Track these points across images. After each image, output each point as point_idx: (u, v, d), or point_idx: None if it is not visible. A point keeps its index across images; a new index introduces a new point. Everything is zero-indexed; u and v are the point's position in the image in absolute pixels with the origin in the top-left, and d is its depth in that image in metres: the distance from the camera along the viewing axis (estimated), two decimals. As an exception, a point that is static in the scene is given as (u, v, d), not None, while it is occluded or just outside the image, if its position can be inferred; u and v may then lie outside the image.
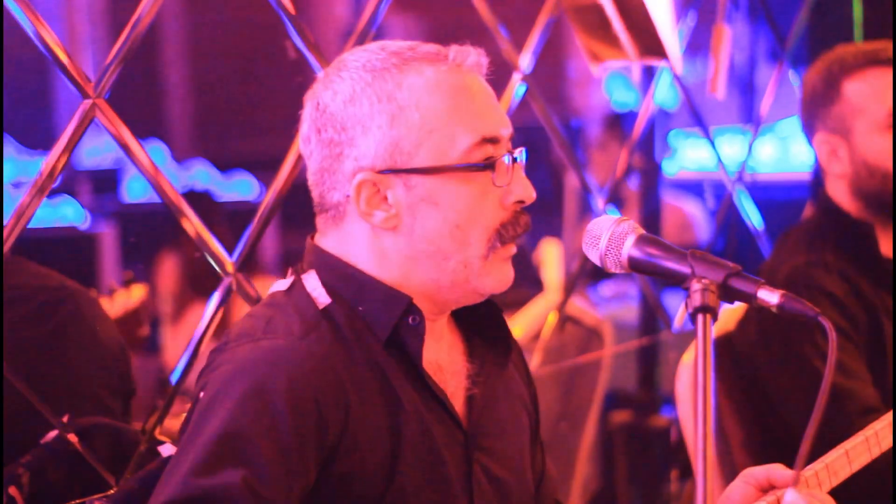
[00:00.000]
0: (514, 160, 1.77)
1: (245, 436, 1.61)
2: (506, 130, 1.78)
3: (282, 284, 1.81)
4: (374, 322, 1.75)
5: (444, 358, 1.83)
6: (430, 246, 1.74)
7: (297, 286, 1.79)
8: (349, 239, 1.78)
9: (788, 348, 2.62)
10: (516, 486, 1.87)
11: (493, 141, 1.75)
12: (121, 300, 2.95)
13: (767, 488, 1.79)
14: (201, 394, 1.70)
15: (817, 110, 2.75)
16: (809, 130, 2.80)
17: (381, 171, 1.73)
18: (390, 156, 1.73)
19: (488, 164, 1.74)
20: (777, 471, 1.79)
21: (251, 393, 1.63)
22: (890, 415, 2.02)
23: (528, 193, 1.77)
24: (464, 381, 1.84)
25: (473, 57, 1.78)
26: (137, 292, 2.98)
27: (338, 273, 1.77)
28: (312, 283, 1.78)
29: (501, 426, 1.87)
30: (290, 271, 1.83)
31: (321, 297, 1.76)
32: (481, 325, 1.88)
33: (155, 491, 1.63)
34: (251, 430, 1.61)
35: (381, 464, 1.70)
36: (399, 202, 1.74)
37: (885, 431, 1.99)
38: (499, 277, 1.78)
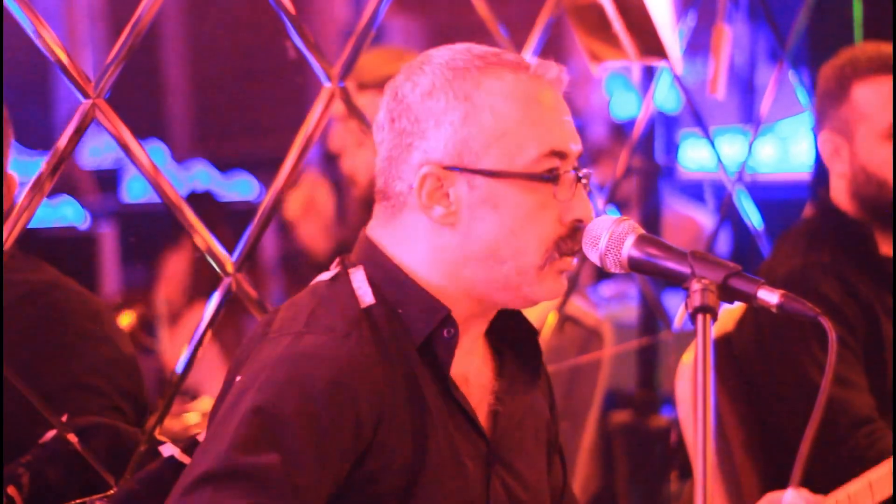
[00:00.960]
0: (580, 178, 1.77)
1: (285, 421, 1.61)
2: (576, 147, 1.78)
3: (326, 275, 1.82)
4: (412, 326, 1.76)
5: (473, 371, 1.84)
6: (485, 247, 1.75)
7: (341, 278, 1.79)
8: (405, 230, 1.78)
9: (784, 355, 2.62)
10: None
11: (560, 155, 1.75)
12: None
13: None
14: (237, 378, 1.70)
15: (827, 108, 2.75)
16: (819, 125, 2.78)
17: (448, 167, 1.74)
18: (458, 153, 1.74)
19: (552, 177, 1.74)
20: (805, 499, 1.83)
21: (292, 382, 1.64)
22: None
23: (588, 213, 1.78)
24: (488, 395, 1.85)
25: (555, 71, 1.79)
26: (127, 319, 2.95)
27: (384, 271, 1.78)
28: (359, 279, 1.78)
29: (522, 445, 1.88)
30: (336, 261, 1.84)
31: (366, 296, 1.76)
32: (515, 344, 1.89)
33: (191, 465, 1.63)
34: (291, 416, 1.62)
35: (405, 467, 1.71)
36: (460, 200, 1.74)
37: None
38: (552, 287, 1.79)
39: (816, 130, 2.80)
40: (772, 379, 2.65)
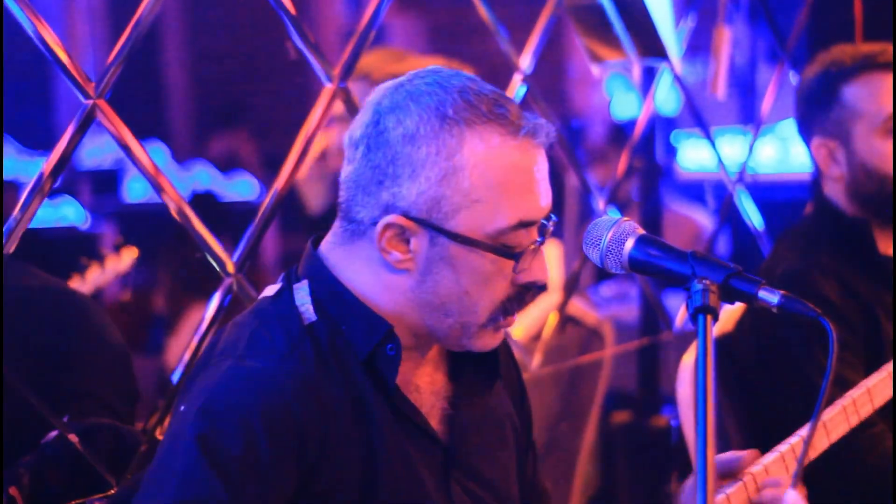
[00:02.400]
0: (541, 242, 1.76)
1: (225, 449, 1.62)
2: (546, 208, 1.77)
3: (270, 290, 1.82)
4: (355, 342, 1.76)
5: (425, 378, 1.84)
6: (436, 300, 1.75)
7: (284, 294, 1.79)
8: (359, 259, 1.77)
9: (783, 356, 2.62)
10: None
11: (529, 224, 1.74)
12: (111, 265, 2.94)
13: (725, 475, 1.81)
14: (182, 407, 1.71)
15: (814, 113, 2.75)
16: (806, 131, 2.80)
17: (413, 219, 1.72)
18: (428, 209, 1.71)
19: (513, 254, 1.73)
20: (732, 457, 1.82)
21: (231, 410, 1.65)
22: (865, 382, 2.02)
23: (543, 277, 1.77)
24: (441, 401, 1.85)
25: (543, 134, 1.75)
26: (128, 256, 2.96)
27: (328, 288, 1.78)
28: (302, 295, 1.78)
29: (484, 447, 1.88)
30: (282, 275, 1.84)
31: (307, 314, 1.76)
32: None
33: (140, 498, 1.64)
34: (231, 444, 1.63)
35: (357, 483, 1.72)
36: (419, 252, 1.73)
37: (862, 399, 1.99)
38: (487, 343, 1.79)
39: (805, 137, 2.80)
40: (771, 379, 2.66)
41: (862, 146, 2.68)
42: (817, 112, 2.74)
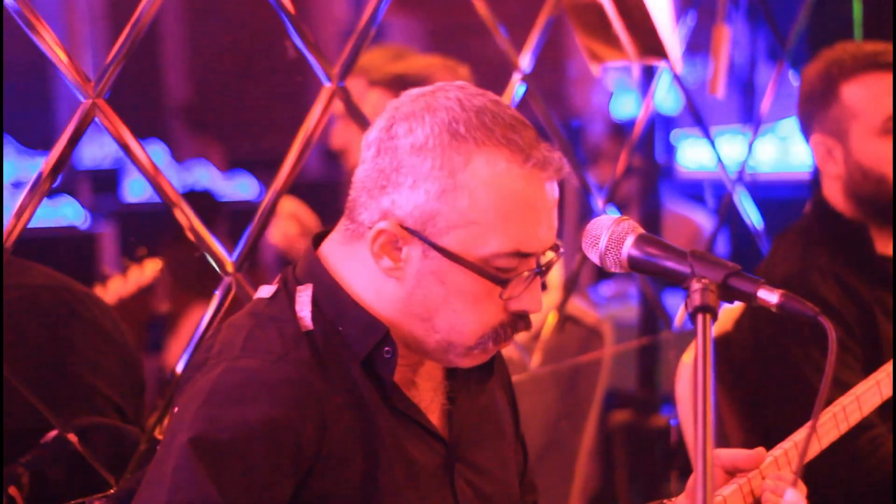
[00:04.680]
0: (539, 273, 1.75)
1: (220, 451, 1.62)
2: (548, 243, 1.75)
3: (266, 291, 1.81)
4: (352, 344, 1.75)
5: (422, 374, 1.83)
6: (425, 312, 1.74)
7: (280, 296, 1.79)
8: (357, 260, 1.77)
9: (782, 356, 2.62)
10: (501, 498, 1.88)
11: (523, 255, 1.72)
12: (134, 276, 2.93)
13: (733, 471, 1.81)
14: (176, 409, 1.70)
15: (814, 110, 2.75)
16: (806, 128, 2.79)
17: (407, 229, 1.71)
18: (423, 222, 1.71)
19: (501, 280, 1.71)
20: (741, 454, 1.81)
21: (227, 412, 1.64)
22: (855, 389, 2.02)
23: (534, 308, 1.76)
24: (440, 396, 1.85)
25: (554, 168, 1.74)
26: (151, 267, 2.95)
27: (326, 289, 1.77)
28: (304, 301, 1.77)
29: (484, 440, 1.88)
30: (278, 277, 1.83)
31: (305, 321, 1.75)
32: None
33: (136, 502, 1.64)
34: (226, 446, 1.62)
35: (357, 483, 1.71)
36: (411, 262, 1.73)
37: (852, 407, 1.99)
38: (472, 362, 1.79)
39: (805, 134, 2.79)
40: (770, 379, 2.66)
41: (859, 146, 2.68)
42: (817, 110, 2.74)
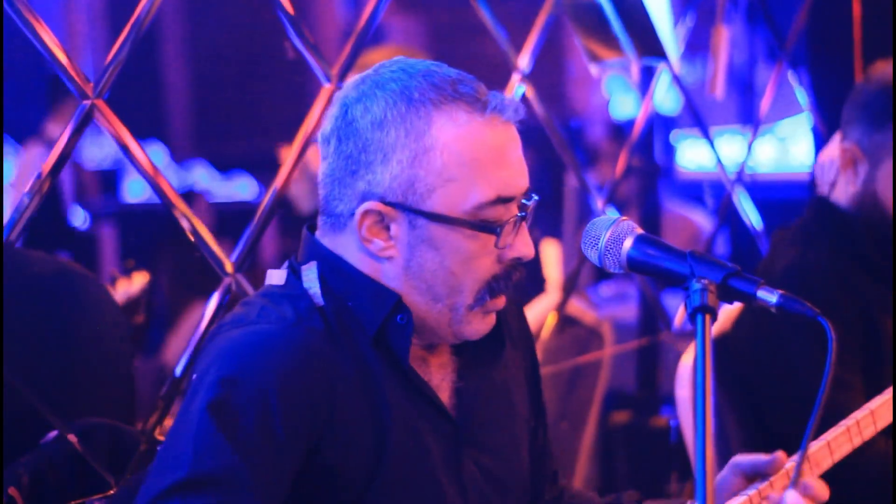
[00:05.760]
0: (522, 218, 1.76)
1: (238, 413, 1.62)
2: (523, 185, 1.77)
3: (277, 278, 1.82)
4: (363, 317, 1.76)
5: (432, 351, 1.84)
6: (423, 284, 1.75)
7: (291, 279, 1.80)
8: (348, 248, 1.78)
9: (781, 355, 2.62)
10: (510, 478, 1.88)
11: (506, 200, 1.74)
12: (122, 288, 2.94)
13: (753, 476, 1.81)
14: (194, 375, 1.71)
15: (861, 122, 2.69)
16: (845, 126, 2.72)
17: (390, 204, 1.72)
18: (403, 192, 1.72)
19: (493, 229, 1.73)
20: (762, 459, 1.81)
21: (244, 374, 1.65)
22: (870, 404, 2.02)
23: (528, 252, 1.77)
24: (450, 374, 1.85)
25: (511, 110, 1.75)
26: (139, 280, 2.96)
27: (331, 265, 1.78)
28: (311, 277, 1.78)
29: (493, 418, 1.88)
30: (285, 263, 1.84)
31: (316, 298, 1.76)
32: None
33: (156, 468, 1.63)
34: (245, 408, 1.62)
35: (364, 458, 1.71)
36: (400, 237, 1.74)
37: (866, 421, 1.99)
38: (478, 328, 1.79)
39: (840, 129, 2.73)
40: (769, 379, 2.65)
41: (883, 179, 2.65)
42: (865, 124, 2.69)
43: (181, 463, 1.59)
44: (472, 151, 1.72)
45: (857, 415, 1.98)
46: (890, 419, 2.04)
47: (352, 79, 1.79)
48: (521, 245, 1.76)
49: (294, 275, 1.80)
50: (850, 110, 2.73)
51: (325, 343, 1.71)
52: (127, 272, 2.97)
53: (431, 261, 1.73)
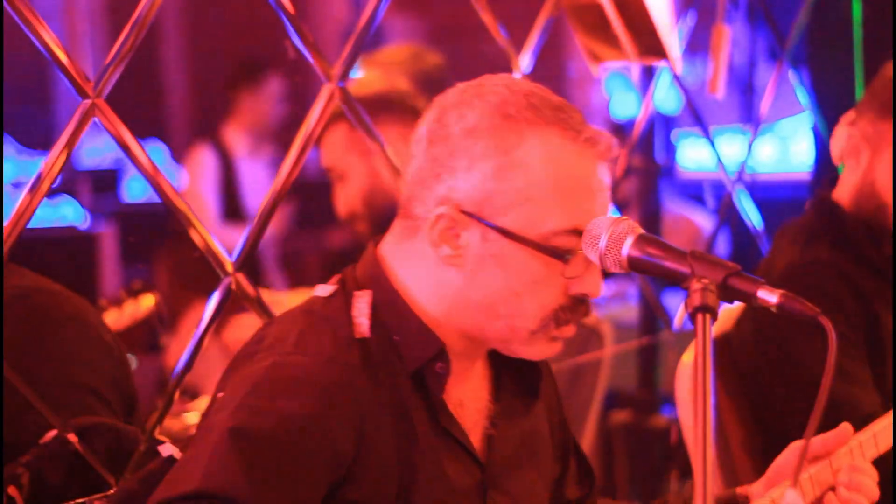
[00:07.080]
0: None
1: (258, 445, 1.61)
2: None
3: (323, 290, 1.81)
4: (406, 354, 1.75)
5: (469, 394, 1.83)
6: (485, 300, 1.74)
7: (338, 297, 1.78)
8: (416, 255, 1.77)
9: (784, 353, 2.61)
10: None
11: (581, 235, 1.72)
12: (129, 310, 2.92)
13: (825, 456, 1.86)
14: (220, 394, 1.70)
15: (872, 108, 2.69)
16: (859, 110, 2.71)
17: (466, 212, 1.72)
18: (480, 203, 1.71)
19: (563, 258, 1.72)
20: (829, 436, 1.86)
21: (271, 406, 1.64)
22: (872, 427, 2.01)
23: (596, 291, 1.76)
24: (484, 419, 1.84)
25: (604, 145, 1.75)
26: (147, 302, 2.94)
27: (385, 294, 1.77)
28: (361, 307, 1.76)
29: (519, 467, 1.88)
30: (336, 277, 1.83)
31: (362, 328, 1.75)
32: (514, 361, 1.87)
33: (168, 481, 1.63)
34: (265, 440, 1.61)
35: (390, 494, 1.70)
36: (470, 247, 1.73)
37: (868, 444, 1.98)
38: (542, 351, 1.79)
39: (852, 116, 2.71)
40: (772, 377, 2.65)
41: (881, 168, 2.65)
42: (872, 110, 2.69)
43: (193, 476, 1.59)
44: (556, 176, 1.71)
45: (861, 437, 1.98)
46: (889, 445, 2.03)
47: (456, 86, 1.79)
48: (589, 282, 1.75)
49: (343, 291, 1.78)
50: (868, 96, 2.73)
51: (360, 379, 1.70)
52: (134, 293, 2.95)
53: (497, 277, 1.73)
